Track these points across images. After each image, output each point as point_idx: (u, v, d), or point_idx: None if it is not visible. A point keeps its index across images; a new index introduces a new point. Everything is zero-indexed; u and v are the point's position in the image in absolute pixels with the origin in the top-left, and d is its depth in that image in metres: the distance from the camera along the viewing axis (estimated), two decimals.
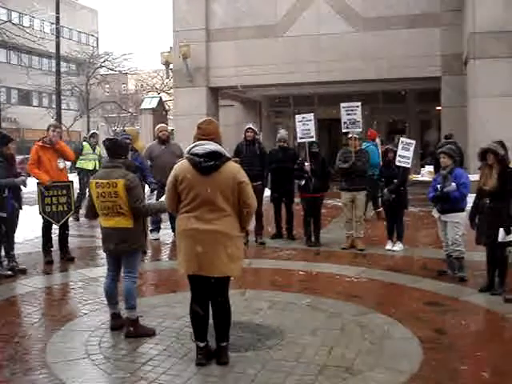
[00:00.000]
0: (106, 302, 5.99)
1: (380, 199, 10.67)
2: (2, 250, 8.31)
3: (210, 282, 4.85)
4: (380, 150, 12.58)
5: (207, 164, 4.74)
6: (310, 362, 4.96)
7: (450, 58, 18.61)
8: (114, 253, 5.73)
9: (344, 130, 10.32)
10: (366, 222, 10.82)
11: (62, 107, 28.61)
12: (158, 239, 10.82)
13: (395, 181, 9.54)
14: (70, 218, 9.98)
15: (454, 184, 7.73)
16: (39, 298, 7.25)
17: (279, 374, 4.72)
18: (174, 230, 9.51)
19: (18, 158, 12.00)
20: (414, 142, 9.76)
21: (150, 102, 26.23)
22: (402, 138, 10.08)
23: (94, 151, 14.61)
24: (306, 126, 10.46)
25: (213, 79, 21.31)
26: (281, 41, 20.30)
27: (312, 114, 10.76)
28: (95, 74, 44.47)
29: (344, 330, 5.79)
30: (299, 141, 10.68)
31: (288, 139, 11.30)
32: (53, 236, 9.23)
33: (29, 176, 8.72)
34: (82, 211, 11.93)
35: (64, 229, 9.24)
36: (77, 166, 14.28)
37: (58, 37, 24.76)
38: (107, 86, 48.42)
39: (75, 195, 10.36)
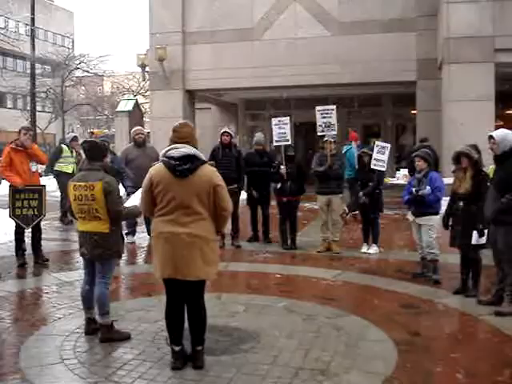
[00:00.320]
0: (80, 307, 5.93)
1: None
2: None
3: (185, 285, 4.84)
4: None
5: (182, 167, 4.72)
6: (285, 365, 4.96)
7: (424, 63, 18.77)
8: (89, 257, 5.67)
9: (319, 133, 10.37)
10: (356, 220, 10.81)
11: (37, 109, 28.39)
12: (133, 242, 10.76)
13: (370, 184, 9.62)
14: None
15: (428, 187, 7.81)
16: (12, 302, 7.15)
17: (255, 377, 4.72)
18: (149, 233, 9.46)
19: None
20: (389, 145, 9.85)
21: (125, 105, 26.04)
22: (377, 142, 10.17)
23: (72, 154, 14.41)
24: (282, 130, 10.49)
25: (189, 82, 21.24)
26: (257, 44, 20.32)
27: (288, 117, 10.82)
28: (71, 76, 44.07)
29: (320, 332, 5.81)
30: (275, 144, 10.71)
31: (264, 142, 11.31)
32: (26, 239, 9.13)
33: (3, 179, 8.62)
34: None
35: (37, 232, 9.14)
36: (55, 168, 14.02)
37: (33, 38, 24.54)
38: (83, 88, 48.02)
39: (60, 198, 10.23)
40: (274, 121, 10.70)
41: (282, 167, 10.12)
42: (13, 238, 9.18)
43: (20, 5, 43.71)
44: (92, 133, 13.46)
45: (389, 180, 19.56)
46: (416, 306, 6.83)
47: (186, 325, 4.98)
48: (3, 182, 8.53)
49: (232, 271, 8.63)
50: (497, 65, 15.47)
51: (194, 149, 4.82)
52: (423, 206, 7.91)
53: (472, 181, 6.90)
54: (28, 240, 9.17)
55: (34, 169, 8.99)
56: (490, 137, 6.49)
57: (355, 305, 6.92)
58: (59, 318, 6.32)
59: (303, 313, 6.44)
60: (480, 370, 4.99)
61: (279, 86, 20.77)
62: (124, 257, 9.59)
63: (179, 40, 21.00)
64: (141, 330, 5.85)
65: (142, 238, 10.99)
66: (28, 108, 32.05)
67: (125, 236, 10.37)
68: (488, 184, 6.71)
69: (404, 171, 20.22)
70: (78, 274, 8.18)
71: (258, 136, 11.23)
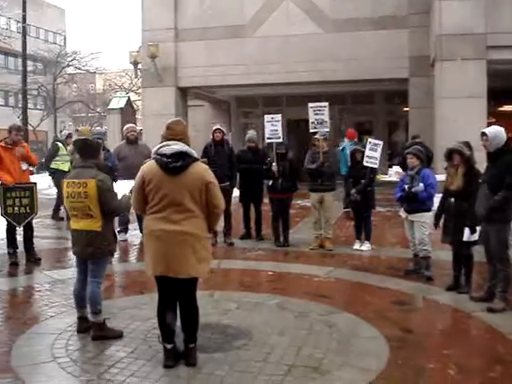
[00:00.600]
0: (72, 305, 5.92)
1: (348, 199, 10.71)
2: None
3: (177, 283, 4.83)
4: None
5: (174, 164, 4.71)
6: (278, 362, 4.97)
7: (417, 60, 18.78)
8: (81, 256, 5.65)
9: (311, 130, 10.37)
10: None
11: (29, 107, 28.25)
12: (125, 240, 10.72)
13: (363, 181, 9.63)
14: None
15: (421, 184, 7.83)
16: (4, 300, 7.13)
17: (247, 374, 4.72)
18: (141, 231, 9.44)
19: None
20: (381, 142, 9.85)
21: (118, 102, 26.00)
22: (369, 139, 10.16)
23: (68, 152, 14.33)
24: (274, 127, 10.49)
25: (181, 79, 21.20)
26: (250, 41, 20.28)
27: (280, 114, 10.82)
28: (62, 73, 43.94)
29: (312, 329, 5.81)
30: (267, 141, 10.71)
31: (257, 140, 11.30)
32: (18, 237, 9.09)
33: None
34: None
35: (29, 230, 9.10)
36: (52, 166, 13.90)
37: (24, 35, 24.41)
38: (75, 85, 47.89)
39: (56, 196, 10.15)
40: (267, 118, 10.70)
41: (273, 164, 10.12)
42: (4, 236, 9.14)
43: (11, 2, 43.49)
44: (77, 130, 13.38)
45: (381, 177, 19.60)
46: (408, 302, 6.85)
47: (179, 322, 4.98)
48: None
49: (224, 269, 8.62)
50: (489, 62, 15.51)
51: (187, 146, 4.81)
52: (416, 202, 7.93)
53: (464, 178, 6.92)
54: (20, 238, 9.13)
55: (24, 167, 8.94)
56: (483, 134, 6.50)
57: (347, 302, 6.93)
58: (51, 317, 6.30)
59: (295, 310, 6.44)
60: (472, 366, 5.01)
61: (272, 84, 20.76)
62: (116, 255, 9.58)
63: (171, 37, 20.95)
64: (133, 327, 5.84)
65: (134, 235, 10.95)
66: (20, 105, 31.87)
67: (117, 234, 10.36)
68: (479, 181, 6.72)
69: (396, 168, 20.26)
70: (70, 272, 8.15)
71: (251, 133, 11.21)
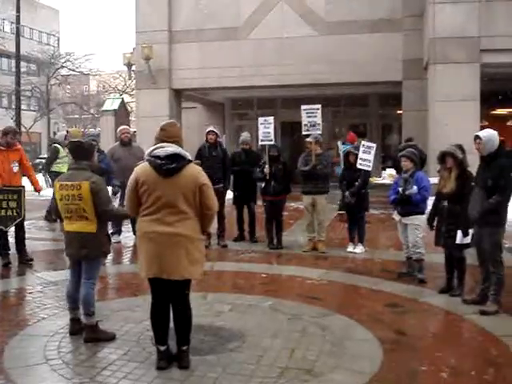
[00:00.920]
0: (65, 307, 5.90)
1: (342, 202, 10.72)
2: None
3: (170, 285, 4.82)
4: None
5: (168, 166, 4.70)
6: (271, 364, 4.96)
7: (410, 63, 18.84)
8: (75, 258, 5.64)
9: (304, 132, 10.36)
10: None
11: (22, 108, 28.17)
12: (119, 242, 10.70)
13: (357, 183, 9.63)
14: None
15: (415, 187, 7.85)
16: None
17: (240, 377, 4.71)
18: (135, 233, 9.42)
19: None
20: (375, 145, 9.87)
21: (111, 104, 25.97)
22: (363, 141, 10.17)
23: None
24: (266, 129, 10.52)
25: (175, 81, 21.19)
26: (244, 43, 20.29)
27: (272, 117, 10.86)
28: (56, 75, 43.86)
29: (305, 332, 5.81)
30: (260, 143, 10.72)
31: (251, 142, 11.30)
32: (10, 239, 9.05)
33: None
34: None
35: (20, 232, 9.06)
36: (53, 170, 13.73)
37: (18, 36, 24.36)
38: (68, 86, 47.79)
39: (50, 198, 9.99)
40: (260, 120, 10.72)
41: (266, 167, 10.13)
42: None
43: (5, 2, 43.41)
44: (67, 132, 13.35)
45: (375, 179, 19.64)
46: (401, 305, 6.85)
47: (172, 324, 4.97)
48: None
49: (218, 271, 8.62)
50: (482, 65, 15.56)
51: (180, 148, 4.81)
52: (409, 205, 7.94)
53: (457, 181, 6.93)
54: (12, 239, 9.09)
55: (15, 169, 8.86)
56: (477, 137, 6.52)
57: (341, 304, 6.93)
58: (44, 318, 6.28)
59: (289, 312, 6.44)
60: (465, 369, 5.02)
61: (266, 86, 20.78)
62: (110, 256, 9.55)
63: (165, 39, 20.94)
64: (126, 329, 5.82)
65: (127, 237, 10.94)
66: (13, 106, 31.79)
67: (110, 236, 10.34)
68: (472, 184, 6.73)
69: (390, 171, 20.31)
70: (62, 274, 8.11)
71: (244, 135, 11.22)
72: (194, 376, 4.73)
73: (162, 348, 4.91)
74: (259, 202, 10.88)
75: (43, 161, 40.57)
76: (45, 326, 5.98)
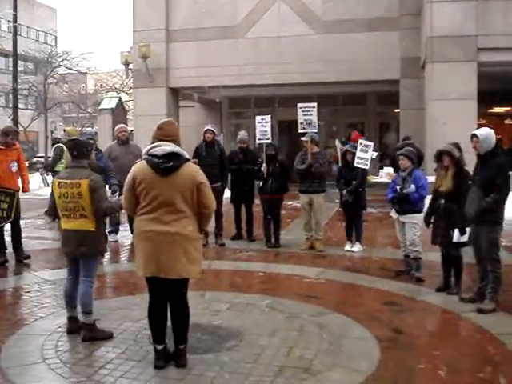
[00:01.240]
0: (62, 306, 5.89)
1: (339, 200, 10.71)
2: None
3: (168, 283, 4.82)
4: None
5: (166, 165, 4.70)
6: (268, 363, 4.96)
7: (408, 62, 18.86)
8: (73, 256, 5.64)
9: (300, 131, 10.36)
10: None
11: (19, 107, 28.12)
12: (116, 241, 10.70)
13: (354, 182, 9.64)
14: None
15: (413, 186, 7.85)
16: None
17: (238, 375, 4.71)
18: (132, 232, 9.41)
19: None
20: (372, 143, 9.87)
21: (109, 102, 25.93)
22: (360, 140, 10.16)
23: None
24: (263, 128, 10.53)
25: (173, 80, 21.18)
26: (241, 42, 20.30)
27: (269, 116, 10.86)
28: (53, 73, 43.78)
29: (303, 330, 5.82)
30: (258, 142, 10.73)
31: (248, 140, 11.30)
32: (7, 238, 9.04)
33: None
34: None
35: (17, 230, 9.05)
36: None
37: (15, 35, 24.31)
38: (66, 85, 47.70)
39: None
40: (258, 119, 10.72)
41: (263, 165, 10.13)
42: None
43: (2, 1, 43.35)
44: (64, 131, 13.30)
45: (372, 178, 19.66)
46: (399, 303, 6.85)
47: (169, 323, 4.97)
48: None
49: (215, 269, 8.61)
50: (479, 64, 15.57)
51: (178, 147, 4.80)
52: (407, 204, 7.95)
53: (453, 179, 6.93)
54: (8, 238, 9.08)
55: (14, 169, 8.85)
56: (473, 135, 6.52)
57: (338, 303, 6.93)
58: (41, 317, 6.27)
59: (286, 311, 6.44)
60: (462, 367, 5.03)
61: (263, 84, 20.79)
62: (107, 255, 9.56)
63: (163, 37, 20.93)
64: (123, 328, 5.82)
65: (124, 236, 10.93)
66: (10, 105, 31.76)
67: (108, 234, 10.34)
68: (469, 182, 6.74)
69: (387, 169, 20.33)
70: (60, 273, 8.11)
71: (242, 134, 11.22)
72: (191, 375, 4.73)
73: (160, 347, 4.91)
74: (257, 201, 10.87)
75: (41, 159, 40.70)
76: (42, 325, 5.98)
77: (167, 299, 4.92)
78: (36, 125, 46.87)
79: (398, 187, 8.05)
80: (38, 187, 19.89)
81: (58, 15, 76.77)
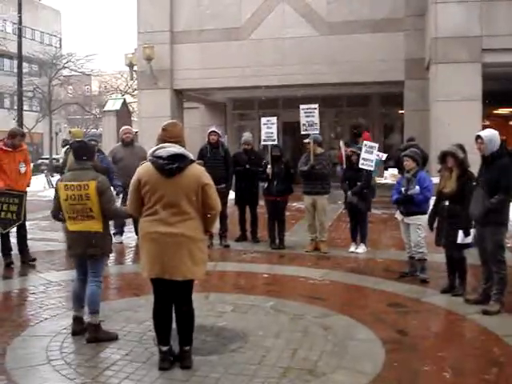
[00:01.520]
0: (67, 307, 5.91)
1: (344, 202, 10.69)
2: None
3: (173, 285, 4.82)
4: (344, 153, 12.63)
5: (171, 166, 4.70)
6: (273, 364, 4.96)
7: (412, 63, 18.84)
8: (82, 257, 5.66)
9: (303, 132, 10.36)
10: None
11: (24, 108, 28.16)
12: (121, 242, 10.71)
13: (359, 183, 9.62)
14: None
15: (417, 187, 7.84)
16: None
17: (242, 377, 4.71)
18: (137, 233, 9.43)
19: None
20: (376, 145, 9.85)
21: (113, 104, 25.96)
22: (365, 141, 10.15)
23: None
24: (269, 129, 10.51)
25: (177, 81, 21.21)
26: (245, 44, 20.31)
27: (275, 117, 10.84)
28: (58, 75, 43.82)
29: (307, 332, 5.81)
30: (263, 143, 10.72)
31: (253, 142, 11.30)
32: (12, 240, 9.06)
33: None
34: None
35: (23, 232, 9.07)
36: None
37: (20, 37, 24.36)
38: (70, 87, 47.80)
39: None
40: (263, 120, 10.70)
41: (268, 167, 10.13)
42: None
43: (7, 3, 43.46)
44: (70, 132, 13.35)
45: (376, 179, 19.61)
46: (403, 305, 6.84)
47: (174, 325, 4.97)
48: None
49: (220, 271, 8.62)
50: (484, 65, 15.54)
51: (183, 148, 4.81)
52: (412, 205, 7.93)
53: (457, 181, 6.92)
54: (14, 240, 9.10)
55: (22, 170, 8.88)
56: (478, 137, 6.51)
57: (343, 304, 6.92)
58: (46, 319, 6.28)
59: (291, 312, 6.44)
60: (467, 369, 5.02)
61: (267, 86, 20.78)
62: (112, 257, 9.57)
63: (167, 39, 20.97)
64: (128, 330, 5.83)
65: (129, 237, 10.94)
66: (15, 107, 31.84)
67: (112, 236, 10.35)
68: (473, 184, 6.73)
69: (392, 170, 20.28)
70: (65, 274, 8.15)
71: (246, 135, 11.22)
72: (196, 376, 4.73)
73: (165, 348, 4.91)
74: (261, 202, 10.87)
75: (45, 161, 40.75)
76: (47, 327, 5.99)
77: (172, 301, 4.92)
78: (41, 127, 46.91)
79: (402, 188, 8.04)
80: (43, 188, 19.94)
81: (63, 17, 76.97)
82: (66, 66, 44.48)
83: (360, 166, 9.59)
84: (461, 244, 6.85)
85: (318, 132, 10.27)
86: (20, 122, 23.74)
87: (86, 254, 5.57)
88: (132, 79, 29.00)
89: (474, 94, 15.38)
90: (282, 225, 10.42)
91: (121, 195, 9.52)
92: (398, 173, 13.33)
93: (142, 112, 21.75)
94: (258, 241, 10.75)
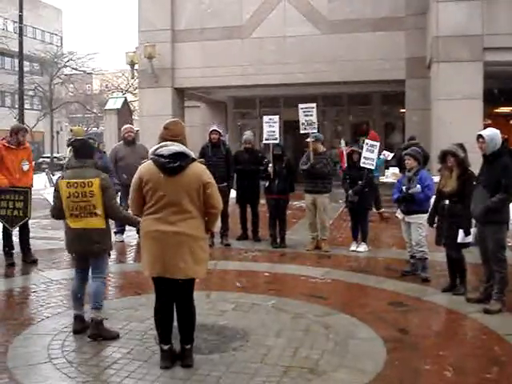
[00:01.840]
0: (68, 305, 5.91)
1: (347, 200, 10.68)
2: None
3: (174, 283, 4.82)
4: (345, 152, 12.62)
5: (172, 165, 4.70)
6: (274, 363, 4.96)
7: (414, 61, 18.82)
8: (83, 254, 5.68)
9: (301, 131, 10.35)
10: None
11: (25, 107, 28.17)
12: (122, 241, 10.72)
13: (360, 182, 9.62)
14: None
15: (419, 186, 7.84)
16: (0, 301, 7.11)
17: (244, 375, 4.71)
18: (138, 232, 9.43)
19: None
20: (378, 143, 9.85)
21: (114, 103, 25.96)
22: (366, 140, 10.14)
23: None
24: (271, 128, 10.49)
25: (178, 80, 21.21)
26: (246, 42, 20.30)
27: (277, 116, 10.83)
28: (59, 74, 43.85)
29: (308, 330, 5.81)
30: (264, 142, 10.71)
31: (254, 141, 11.30)
32: (15, 238, 9.07)
33: None
34: None
35: (25, 231, 9.07)
36: None
37: (21, 35, 24.34)
38: (71, 85, 47.82)
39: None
40: (265, 119, 10.69)
41: (270, 165, 10.13)
42: (0, 237, 9.11)
43: (8, 2, 43.46)
44: (71, 130, 13.34)
45: (380, 179, 19.59)
46: (405, 304, 6.84)
47: (175, 323, 4.97)
48: None
49: (221, 269, 8.62)
50: (485, 64, 15.53)
51: (184, 147, 4.80)
52: (413, 204, 7.93)
53: (458, 180, 6.92)
54: (16, 239, 9.11)
55: (25, 168, 8.87)
56: (479, 136, 6.50)
57: (344, 303, 6.92)
58: (47, 317, 6.29)
59: (292, 311, 6.44)
60: (468, 368, 5.02)
61: (268, 85, 20.78)
62: (113, 255, 9.58)
63: (168, 38, 20.97)
64: (129, 328, 5.83)
65: (130, 236, 10.95)
66: (16, 106, 31.83)
67: (114, 235, 10.36)
68: (474, 183, 6.73)
69: (393, 169, 20.26)
70: (66, 273, 8.16)
71: (248, 134, 11.21)
72: (197, 375, 4.73)
73: (166, 347, 4.92)
74: (262, 201, 10.87)
75: (46, 160, 40.81)
76: (48, 325, 5.99)
77: (173, 299, 4.92)
78: (42, 125, 46.97)
79: (403, 187, 8.04)
80: (44, 187, 19.93)
81: (64, 16, 76.95)
82: (67, 64, 44.55)
83: (361, 165, 9.58)
84: (458, 244, 6.85)
85: (316, 131, 10.26)
86: (21, 121, 23.70)
87: (90, 250, 5.59)
88: (133, 78, 29.00)
89: (476, 93, 15.37)
90: (283, 223, 10.42)
91: (119, 193, 9.53)
92: (399, 172, 13.31)
93: (143, 110, 21.76)
94: (259, 239, 10.75)
